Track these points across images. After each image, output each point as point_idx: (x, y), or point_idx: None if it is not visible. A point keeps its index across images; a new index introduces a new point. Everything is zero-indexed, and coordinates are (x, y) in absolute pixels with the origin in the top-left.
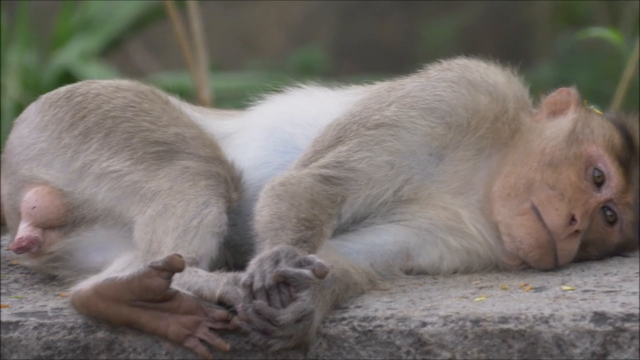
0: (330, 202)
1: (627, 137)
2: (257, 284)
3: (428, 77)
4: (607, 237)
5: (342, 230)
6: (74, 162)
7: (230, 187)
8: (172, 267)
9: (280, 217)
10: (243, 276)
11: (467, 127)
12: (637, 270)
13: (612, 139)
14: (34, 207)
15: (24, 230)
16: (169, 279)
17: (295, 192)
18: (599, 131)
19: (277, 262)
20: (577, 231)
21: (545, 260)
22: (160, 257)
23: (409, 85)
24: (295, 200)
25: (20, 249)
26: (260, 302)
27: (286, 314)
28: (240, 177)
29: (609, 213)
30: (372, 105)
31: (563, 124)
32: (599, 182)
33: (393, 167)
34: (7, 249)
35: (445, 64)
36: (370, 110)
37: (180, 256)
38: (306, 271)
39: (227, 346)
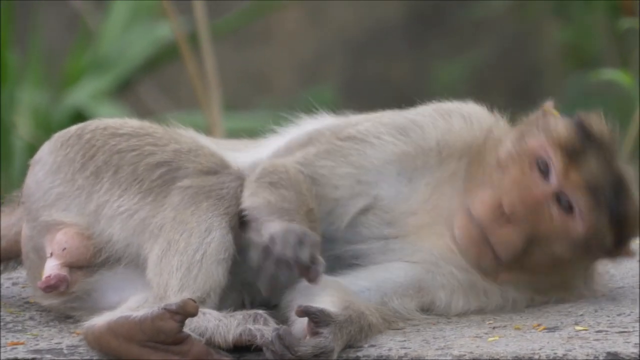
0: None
1: (582, 128)
2: (280, 251)
3: (408, 109)
4: (569, 229)
5: (347, 266)
6: (89, 204)
7: (231, 199)
8: (185, 311)
9: (290, 202)
10: (264, 236)
11: (438, 148)
12: None
13: (557, 131)
14: (65, 249)
15: (52, 268)
16: (181, 322)
17: (291, 180)
18: (544, 127)
19: (300, 242)
20: (506, 217)
21: (484, 255)
22: (170, 301)
23: (390, 112)
24: (300, 188)
25: (49, 287)
26: (286, 328)
27: (306, 347)
28: (241, 184)
29: (563, 202)
30: (352, 120)
31: (515, 130)
32: (545, 172)
33: (357, 180)
34: (23, 287)
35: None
36: (348, 123)
37: (194, 301)
38: (329, 309)
39: None
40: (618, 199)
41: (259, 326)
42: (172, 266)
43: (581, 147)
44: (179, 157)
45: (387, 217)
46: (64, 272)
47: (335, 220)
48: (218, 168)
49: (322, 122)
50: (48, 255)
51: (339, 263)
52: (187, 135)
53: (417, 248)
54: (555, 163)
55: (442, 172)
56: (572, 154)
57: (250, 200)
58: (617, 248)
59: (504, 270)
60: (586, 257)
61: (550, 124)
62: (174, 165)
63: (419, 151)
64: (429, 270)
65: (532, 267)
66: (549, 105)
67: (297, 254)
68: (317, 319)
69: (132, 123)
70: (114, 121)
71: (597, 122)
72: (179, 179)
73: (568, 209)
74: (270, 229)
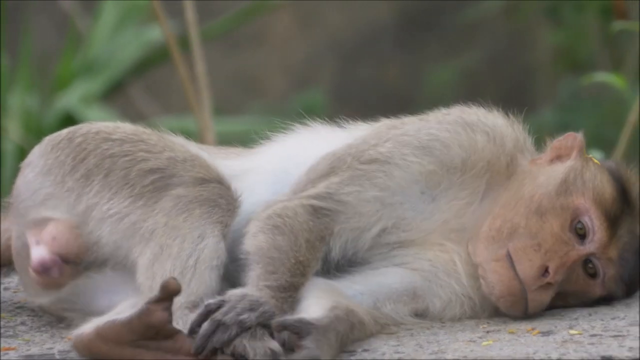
0: (320, 241)
1: (622, 189)
2: (220, 316)
3: (427, 119)
4: (589, 290)
5: (340, 270)
6: (78, 206)
7: (224, 208)
8: (168, 292)
9: (280, 251)
10: (212, 300)
11: (463, 167)
12: None
13: (603, 192)
14: (54, 238)
15: (41, 252)
16: (169, 309)
17: (294, 227)
18: (590, 183)
19: (251, 310)
20: (549, 283)
21: (516, 308)
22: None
23: (407, 125)
24: (297, 237)
25: (43, 267)
26: (273, 346)
27: None
28: (231, 193)
29: (590, 266)
30: (370, 141)
31: (557, 173)
32: (581, 235)
33: (382, 203)
34: (15, 292)
35: (444, 109)
36: (367, 144)
37: (174, 279)
38: (308, 316)
39: None
40: (638, 265)
41: (253, 342)
42: (165, 270)
43: (621, 215)
44: (174, 165)
45: (404, 236)
46: (56, 257)
47: (356, 247)
48: (212, 179)
49: (333, 142)
50: (35, 244)
51: (335, 265)
52: (180, 144)
53: (419, 257)
54: (598, 232)
55: (464, 190)
56: (613, 222)
57: (248, 242)
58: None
59: None
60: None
61: (594, 179)
62: (167, 173)
63: (444, 170)
64: (426, 279)
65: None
66: (580, 138)
67: (240, 318)
68: (297, 329)
69: (125, 128)
70: (106, 126)
71: (635, 184)
72: (172, 187)
73: (593, 273)
74: (232, 294)
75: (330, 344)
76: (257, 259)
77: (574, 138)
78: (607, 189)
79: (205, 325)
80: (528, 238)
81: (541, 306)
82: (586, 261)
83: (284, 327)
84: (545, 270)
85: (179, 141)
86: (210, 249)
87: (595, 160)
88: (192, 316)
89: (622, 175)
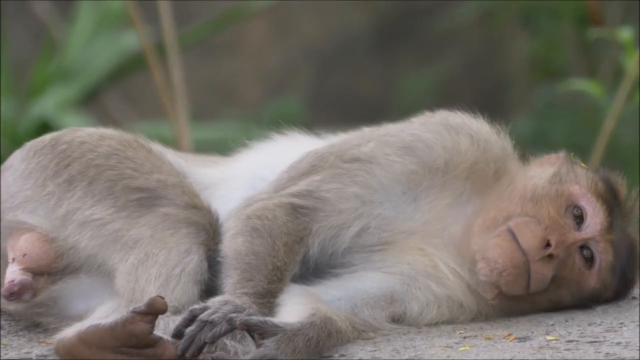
0: (299, 244)
1: (611, 190)
2: (206, 317)
3: (410, 122)
4: (583, 280)
5: (320, 274)
6: (58, 209)
7: (210, 234)
8: (154, 309)
9: (257, 256)
10: (197, 305)
11: (445, 168)
12: (621, 321)
13: (596, 184)
14: (25, 255)
15: (14, 273)
16: (152, 323)
17: (272, 231)
18: (583, 176)
19: (236, 312)
20: (551, 256)
21: (518, 283)
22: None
23: (391, 126)
24: (275, 241)
25: (13, 294)
26: (219, 353)
27: None
28: (218, 223)
29: (586, 252)
30: (352, 141)
31: (548, 169)
32: (578, 220)
33: (362, 201)
34: None
35: (428, 113)
36: (349, 144)
37: (162, 298)
38: (277, 320)
39: None
40: (629, 263)
41: (234, 342)
42: (151, 275)
43: (614, 206)
44: (164, 188)
45: (384, 236)
46: (27, 277)
47: (334, 246)
48: (203, 207)
49: (316, 143)
50: (10, 260)
51: (314, 268)
52: (167, 166)
53: (398, 260)
54: (596, 216)
55: (445, 191)
56: (609, 211)
57: (227, 243)
58: (609, 301)
59: (504, 295)
60: (579, 302)
61: (585, 174)
62: (155, 194)
63: (426, 171)
64: (404, 283)
65: (531, 300)
66: (564, 155)
67: (229, 316)
68: (260, 330)
69: (110, 142)
70: (90, 137)
71: (622, 185)
72: (159, 206)
73: (589, 260)
74: (214, 300)
75: (296, 348)
76: (234, 264)
77: (557, 157)
78: (599, 182)
79: (192, 327)
80: (527, 217)
81: (543, 281)
82: (582, 248)
83: (248, 326)
84: (547, 244)
85: (155, 147)
86: (195, 264)
87: (582, 165)
88: (174, 319)
89: (610, 178)
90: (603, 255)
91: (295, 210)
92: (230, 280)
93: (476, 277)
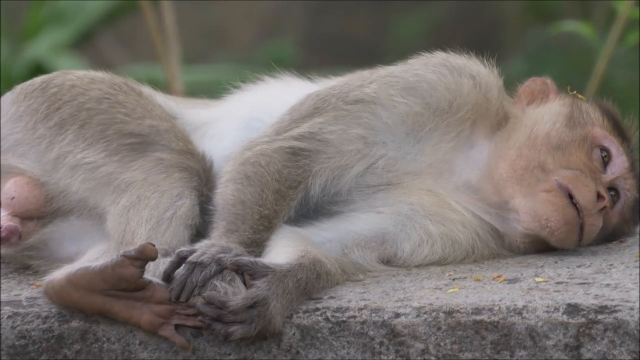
0: (294, 189)
1: (617, 123)
2: (194, 258)
3: (411, 63)
4: (607, 218)
5: (317, 212)
6: (49, 153)
7: (202, 180)
8: (144, 255)
9: (244, 205)
10: (184, 248)
11: (449, 109)
12: (610, 263)
13: (607, 120)
14: (13, 198)
15: (2, 219)
16: (141, 267)
17: (263, 178)
18: (592, 114)
19: (224, 253)
20: (604, 208)
21: (570, 238)
22: (133, 247)
23: (392, 68)
24: (263, 190)
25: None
26: (211, 292)
27: (236, 300)
28: (211, 169)
29: (612, 193)
30: (354, 82)
31: (558, 109)
32: (605, 161)
33: (365, 142)
34: None
35: (427, 54)
36: (352, 86)
37: (152, 245)
38: (267, 260)
39: (203, 325)
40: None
41: (224, 283)
42: (142, 217)
43: (625, 140)
44: (156, 134)
45: (388, 176)
46: (14, 222)
47: (336, 187)
48: (197, 153)
49: (308, 85)
50: None
51: (315, 205)
52: (159, 110)
53: (400, 199)
54: (620, 155)
55: (448, 133)
56: (628, 149)
57: (219, 190)
58: (628, 236)
59: (535, 242)
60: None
61: (595, 111)
62: (148, 140)
63: (431, 112)
64: (398, 223)
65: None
66: (550, 82)
67: (217, 256)
68: (251, 270)
69: (101, 85)
70: (81, 80)
71: (619, 114)
72: (152, 151)
73: (615, 199)
74: (201, 244)
75: (286, 289)
76: (222, 214)
77: (544, 82)
78: (606, 118)
79: (181, 270)
80: (567, 170)
81: (595, 232)
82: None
83: (238, 266)
84: (599, 195)
85: (145, 90)
86: (187, 208)
87: (580, 96)
88: (164, 261)
89: (609, 108)
90: (629, 192)
91: (295, 154)
92: (216, 232)
93: (505, 223)
